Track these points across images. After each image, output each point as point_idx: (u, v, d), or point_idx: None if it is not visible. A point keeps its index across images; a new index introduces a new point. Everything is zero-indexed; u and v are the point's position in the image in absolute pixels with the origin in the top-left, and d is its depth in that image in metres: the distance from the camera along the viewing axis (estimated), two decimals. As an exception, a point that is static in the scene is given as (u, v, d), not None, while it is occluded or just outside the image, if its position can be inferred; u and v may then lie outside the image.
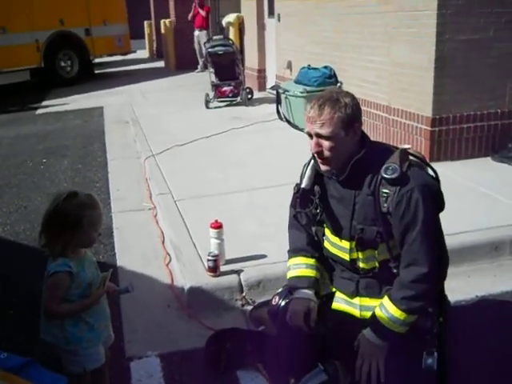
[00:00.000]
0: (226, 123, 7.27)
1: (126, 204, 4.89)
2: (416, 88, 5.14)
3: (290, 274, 2.40)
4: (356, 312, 2.25)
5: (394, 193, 2.03)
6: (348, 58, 6.42)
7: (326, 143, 2.07)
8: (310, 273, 2.35)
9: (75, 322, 2.08)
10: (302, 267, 2.37)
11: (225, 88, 8.75)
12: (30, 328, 2.73)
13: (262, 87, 9.88)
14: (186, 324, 3.01)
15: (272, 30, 9.24)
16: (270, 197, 4.40)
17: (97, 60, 14.61)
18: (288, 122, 6.83)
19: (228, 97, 8.75)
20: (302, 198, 2.32)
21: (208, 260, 3.22)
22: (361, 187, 2.12)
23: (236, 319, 3.01)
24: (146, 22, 19.65)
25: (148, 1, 19.38)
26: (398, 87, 5.44)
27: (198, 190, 4.76)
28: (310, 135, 2.11)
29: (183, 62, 14.36)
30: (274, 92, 7.42)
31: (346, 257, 2.24)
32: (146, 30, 19.66)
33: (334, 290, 2.37)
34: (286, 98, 6.72)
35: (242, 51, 10.17)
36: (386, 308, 2.09)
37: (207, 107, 8.55)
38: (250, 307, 3.02)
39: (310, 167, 2.29)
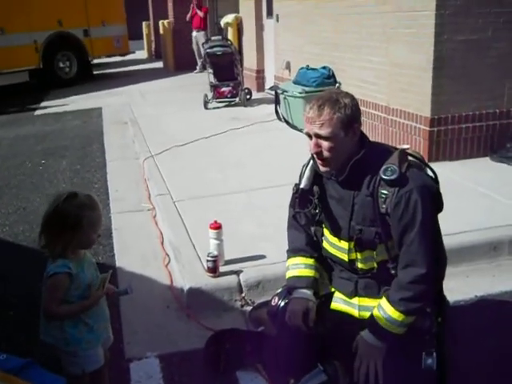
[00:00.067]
0: (225, 124, 7.27)
1: (124, 205, 4.88)
2: (415, 88, 5.14)
3: (289, 273, 2.41)
4: (355, 312, 2.25)
5: (393, 194, 2.03)
6: (347, 59, 6.42)
7: (325, 144, 2.07)
8: (309, 273, 2.35)
9: (75, 324, 2.08)
10: (300, 267, 2.37)
11: (223, 89, 8.75)
12: (30, 329, 2.73)
13: (260, 88, 9.87)
14: (185, 325, 3.01)
15: (270, 30, 9.23)
16: (269, 197, 4.39)
17: (95, 61, 14.59)
18: (287, 122, 6.83)
19: (227, 97, 8.75)
20: (301, 198, 2.32)
21: (207, 261, 3.22)
22: (360, 188, 2.12)
23: (235, 320, 3.01)
24: (144, 23, 19.67)
25: (146, 2, 19.37)
26: (396, 87, 5.45)
27: (197, 190, 4.75)
28: (310, 136, 2.11)
29: (182, 62, 14.34)
30: (273, 92, 7.42)
31: (345, 257, 2.24)
32: (145, 31, 19.66)
33: (332, 290, 2.38)
34: (284, 98, 6.71)
35: (240, 52, 10.15)
36: (383, 309, 2.09)
37: (206, 108, 8.54)
38: (249, 308, 3.03)
39: (309, 168, 2.29)
